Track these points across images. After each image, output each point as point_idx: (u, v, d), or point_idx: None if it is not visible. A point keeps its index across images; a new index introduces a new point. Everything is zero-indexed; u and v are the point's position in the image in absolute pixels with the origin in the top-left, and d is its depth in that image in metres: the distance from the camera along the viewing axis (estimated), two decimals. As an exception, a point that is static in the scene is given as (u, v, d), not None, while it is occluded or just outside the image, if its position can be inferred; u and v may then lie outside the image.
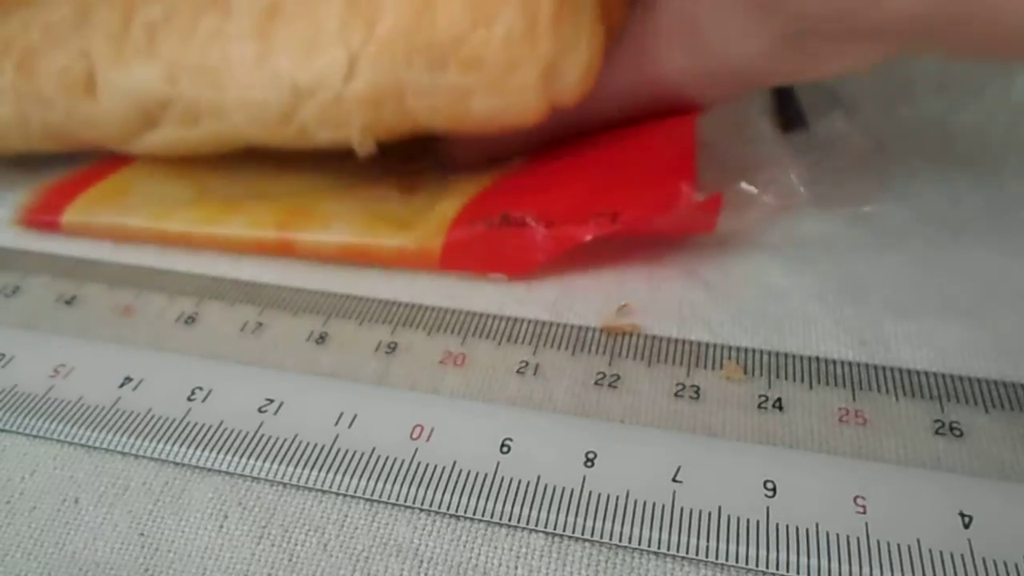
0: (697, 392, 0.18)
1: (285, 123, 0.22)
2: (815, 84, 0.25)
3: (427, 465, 0.17)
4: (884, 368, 0.19)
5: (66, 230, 0.24)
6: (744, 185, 0.22)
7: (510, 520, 0.16)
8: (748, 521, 0.15)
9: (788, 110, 0.24)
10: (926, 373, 0.19)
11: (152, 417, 0.18)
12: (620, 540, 0.15)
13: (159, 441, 0.18)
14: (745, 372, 0.19)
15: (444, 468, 0.17)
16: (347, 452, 0.17)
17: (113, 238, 0.24)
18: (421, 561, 0.16)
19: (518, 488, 0.16)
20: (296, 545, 0.16)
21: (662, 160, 0.22)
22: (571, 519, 0.16)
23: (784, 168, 0.22)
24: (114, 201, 0.25)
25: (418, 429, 0.18)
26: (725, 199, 0.21)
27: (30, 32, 0.23)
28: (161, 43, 0.22)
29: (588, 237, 0.21)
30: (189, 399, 0.19)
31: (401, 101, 0.21)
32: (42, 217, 0.25)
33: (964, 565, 0.15)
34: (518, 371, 0.19)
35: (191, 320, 0.21)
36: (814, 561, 0.15)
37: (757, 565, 0.15)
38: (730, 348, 0.20)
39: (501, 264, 0.22)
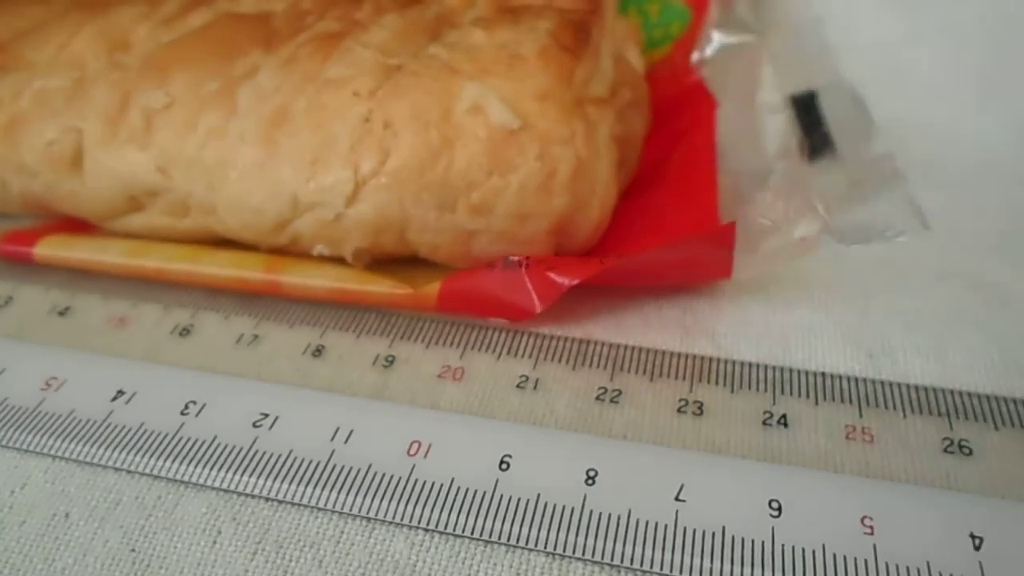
0: (700, 408, 0.18)
1: (278, 232, 0.21)
2: (845, 100, 0.22)
3: (424, 482, 0.16)
4: (892, 384, 0.19)
5: (40, 262, 0.23)
6: (762, 219, 0.20)
7: (509, 539, 0.16)
8: (753, 542, 0.15)
9: (814, 133, 0.22)
10: (934, 389, 0.18)
11: (145, 431, 0.18)
12: (622, 560, 0.15)
13: (152, 456, 0.17)
14: (750, 388, 0.19)
15: (442, 485, 0.16)
16: (343, 468, 0.17)
17: (88, 271, 0.23)
18: (418, 581, 0.15)
19: (518, 506, 0.16)
20: (291, 562, 0.16)
21: (682, 205, 0.21)
22: (572, 538, 0.15)
23: (808, 200, 0.20)
24: (89, 234, 0.23)
25: (416, 445, 0.17)
26: (742, 236, 0.19)
27: (21, 98, 0.22)
28: (158, 131, 0.21)
29: (571, 282, 0.19)
30: (183, 413, 0.18)
31: (402, 232, 0.20)
32: (15, 249, 0.23)
33: (975, 588, 0.14)
34: (518, 386, 0.19)
35: (186, 332, 0.21)
36: (821, 583, 0.14)
37: (762, 587, 0.15)
38: (734, 362, 0.19)
39: (502, 309, 0.20)
